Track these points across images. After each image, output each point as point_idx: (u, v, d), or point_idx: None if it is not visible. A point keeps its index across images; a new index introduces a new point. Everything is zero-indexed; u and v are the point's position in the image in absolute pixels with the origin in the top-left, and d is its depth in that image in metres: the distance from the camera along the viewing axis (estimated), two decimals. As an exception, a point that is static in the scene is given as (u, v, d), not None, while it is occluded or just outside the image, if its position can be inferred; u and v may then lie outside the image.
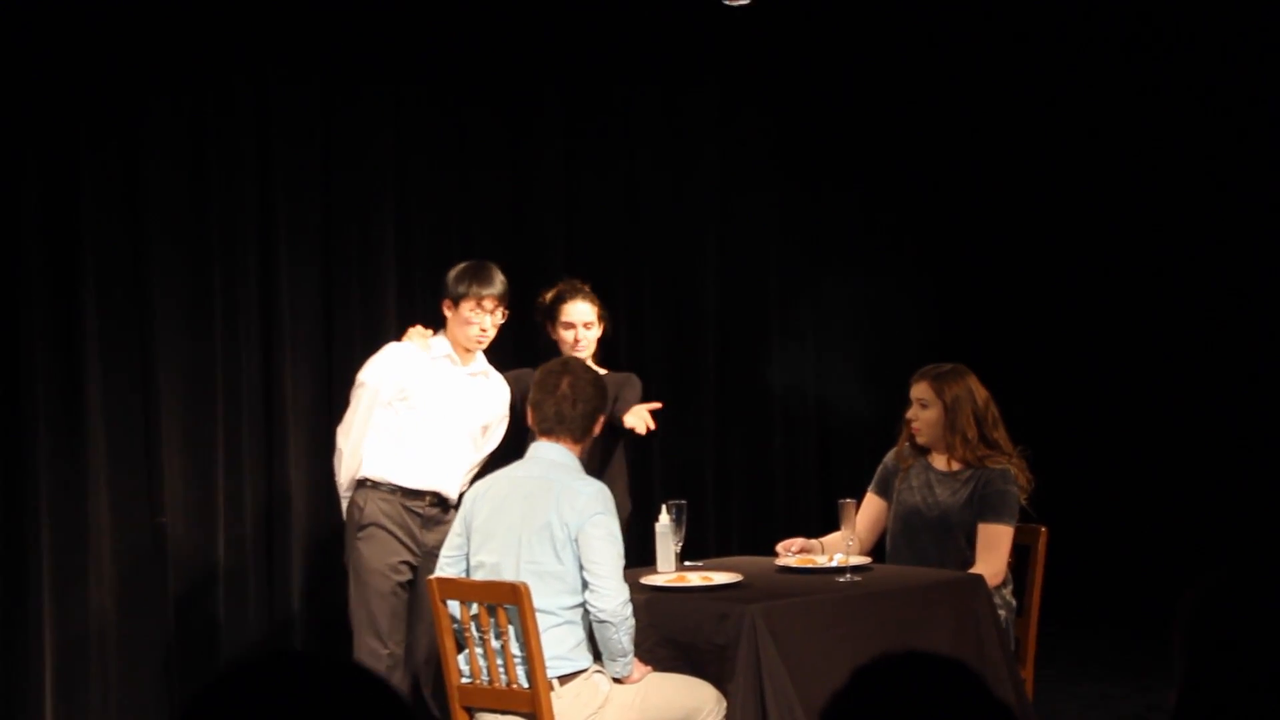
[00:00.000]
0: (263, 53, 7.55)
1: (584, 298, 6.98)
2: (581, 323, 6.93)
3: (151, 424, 7.30)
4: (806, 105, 9.34)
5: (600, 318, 6.99)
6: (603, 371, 6.89)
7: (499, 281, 6.65)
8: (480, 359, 6.80)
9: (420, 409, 6.64)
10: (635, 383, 6.99)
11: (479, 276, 6.64)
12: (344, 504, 6.76)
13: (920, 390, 6.41)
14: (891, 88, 9.55)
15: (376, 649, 6.53)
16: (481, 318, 6.62)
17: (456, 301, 6.64)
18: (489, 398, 6.84)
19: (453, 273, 6.69)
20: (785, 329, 9.31)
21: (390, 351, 6.73)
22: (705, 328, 9.05)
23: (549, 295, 7.03)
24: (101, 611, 7.14)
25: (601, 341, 7.02)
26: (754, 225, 9.21)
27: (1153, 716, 7.44)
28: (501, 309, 6.66)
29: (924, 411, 6.39)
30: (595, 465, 6.84)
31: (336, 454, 6.76)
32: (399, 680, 6.61)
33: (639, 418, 6.67)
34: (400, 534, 6.61)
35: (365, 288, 7.84)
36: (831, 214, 9.44)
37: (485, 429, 6.84)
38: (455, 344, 6.69)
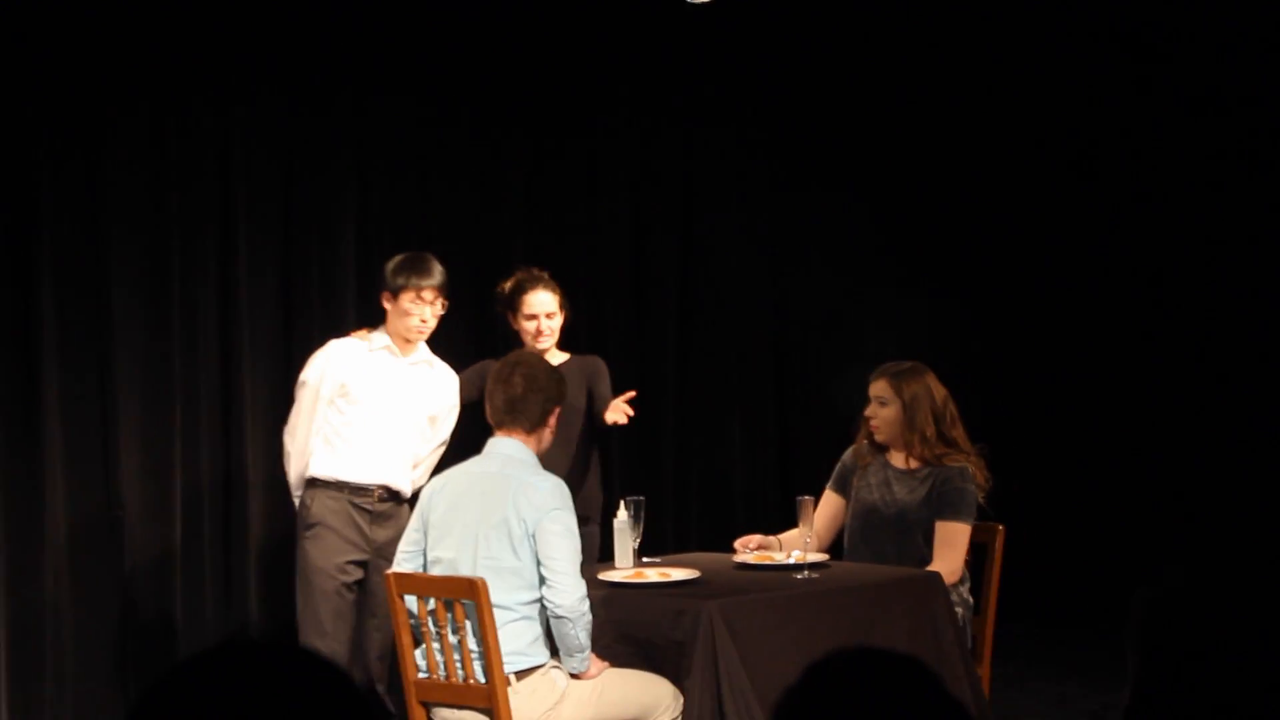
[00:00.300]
0: (225, 54, 7.52)
1: (545, 286, 6.94)
2: (544, 313, 6.90)
3: (109, 419, 7.26)
4: (768, 98, 9.33)
5: (562, 306, 6.95)
6: (565, 356, 6.89)
7: (438, 272, 6.61)
8: (422, 349, 6.76)
9: (362, 403, 6.61)
10: (602, 370, 6.98)
11: (417, 268, 6.59)
12: (296, 503, 6.74)
13: (879, 388, 6.42)
14: (856, 82, 9.55)
15: (319, 647, 6.50)
16: (421, 309, 6.58)
17: (395, 293, 6.60)
18: (433, 387, 6.80)
19: (390, 264, 6.65)
20: (746, 325, 9.31)
21: (329, 348, 6.70)
22: (665, 323, 9.04)
23: (508, 285, 6.99)
24: (56, 604, 7.10)
25: (564, 330, 6.99)
26: (717, 218, 9.21)
27: (1109, 715, 7.47)
28: (441, 299, 6.62)
29: (882, 409, 6.40)
30: (581, 460, 6.83)
31: (285, 455, 6.74)
32: None
33: (618, 411, 6.67)
34: (348, 532, 6.58)
35: (325, 287, 7.81)
36: (796, 207, 9.44)
37: (432, 420, 6.80)
38: (395, 336, 6.66)
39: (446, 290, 6.65)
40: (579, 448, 6.90)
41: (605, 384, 6.94)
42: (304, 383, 6.68)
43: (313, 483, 6.62)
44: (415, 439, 6.75)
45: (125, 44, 7.25)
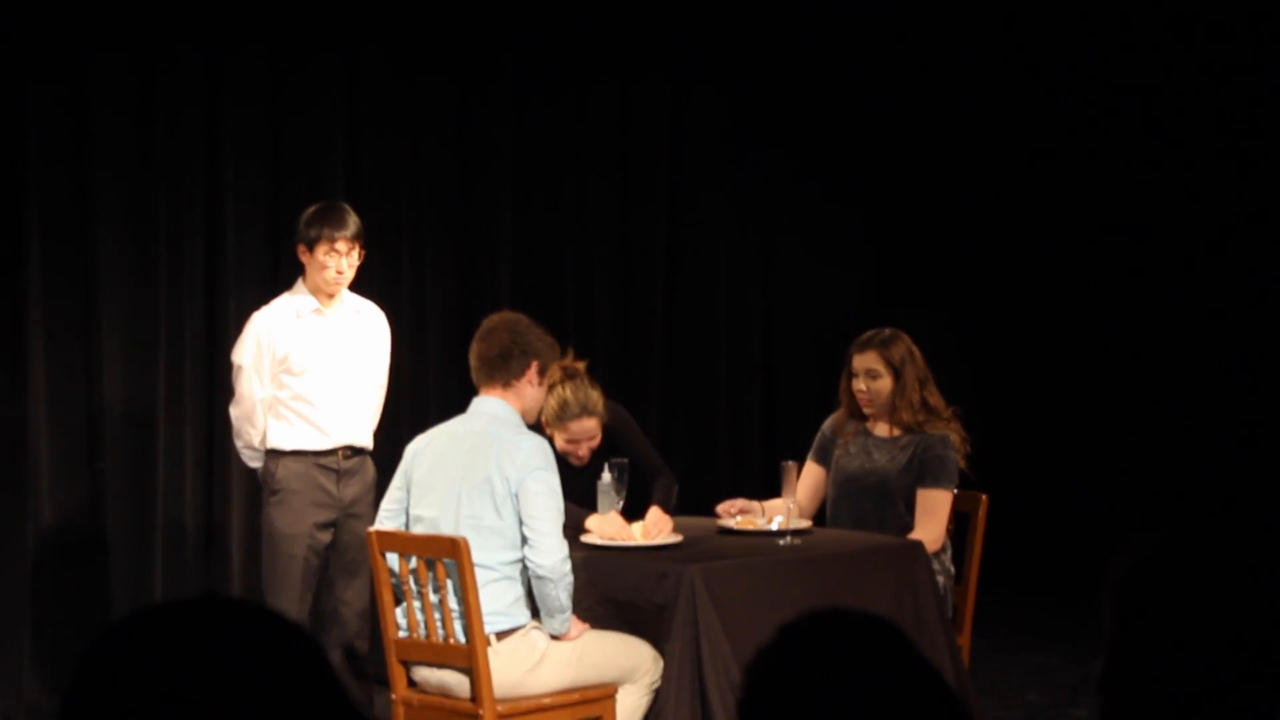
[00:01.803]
0: (213, 5, 7.49)
1: (586, 415, 6.25)
2: (587, 438, 6.30)
3: (93, 372, 7.25)
4: (754, 83, 9.31)
5: (354, 243, 6.48)
6: (596, 395, 6.32)
7: (352, 222, 6.48)
8: (346, 297, 6.63)
9: (307, 373, 6.51)
10: (616, 416, 6.44)
11: (330, 219, 6.46)
12: (252, 466, 6.66)
13: (869, 360, 6.33)
14: (835, 70, 9.53)
15: (285, 608, 6.47)
16: (337, 260, 6.46)
17: (311, 245, 6.47)
18: (368, 336, 6.70)
19: (304, 216, 6.52)
20: (732, 291, 9.30)
21: (257, 325, 6.53)
22: (653, 291, 9.03)
23: (551, 404, 6.24)
24: (38, 558, 7.10)
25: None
26: (705, 198, 9.19)
27: (1089, 687, 7.48)
28: (357, 249, 6.50)
29: (875, 382, 6.32)
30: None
31: (234, 433, 6.64)
32: None
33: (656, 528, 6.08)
34: (315, 494, 6.53)
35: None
36: (778, 187, 9.43)
37: (370, 368, 6.71)
38: (316, 291, 6.53)
39: (362, 239, 6.51)
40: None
41: (626, 430, 6.46)
42: (239, 367, 6.53)
43: (274, 452, 6.55)
44: (368, 392, 6.69)
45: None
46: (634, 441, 6.46)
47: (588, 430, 6.23)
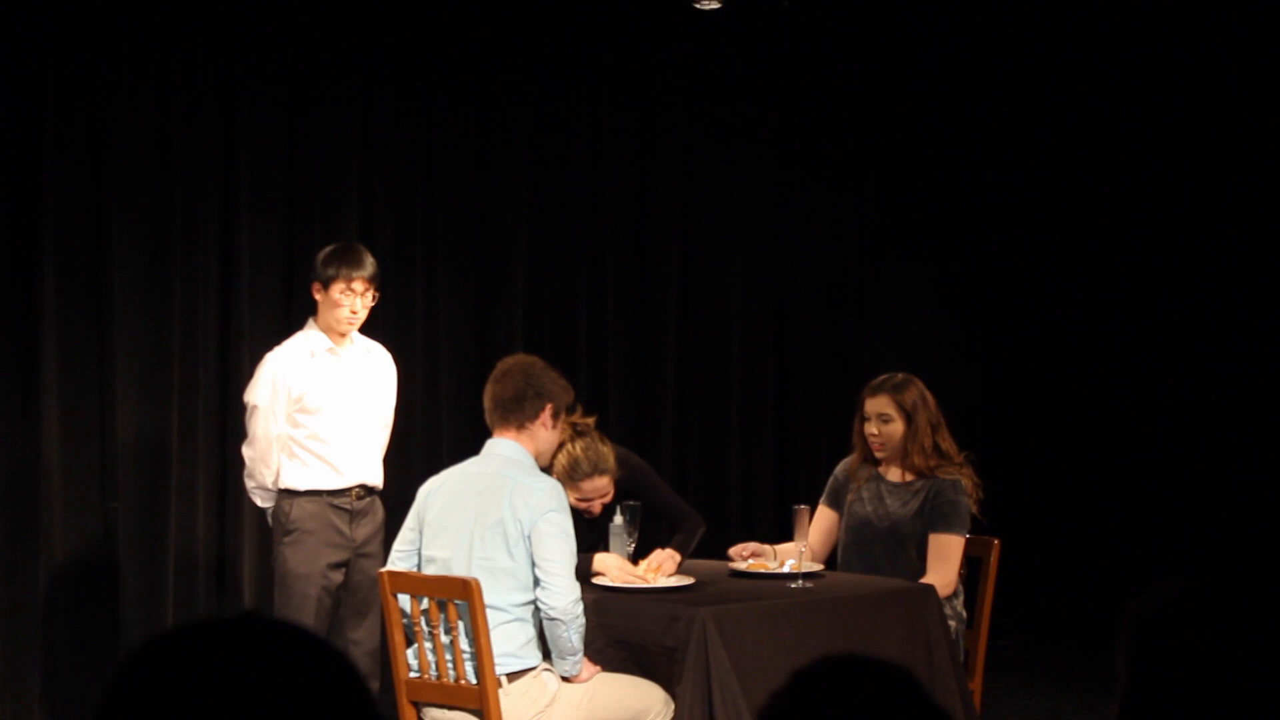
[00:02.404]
0: (231, 41, 7.54)
1: (599, 473, 6.14)
2: (598, 497, 6.21)
3: (106, 410, 7.27)
4: (776, 102, 9.34)
5: (370, 284, 6.50)
6: (606, 450, 6.23)
7: (369, 263, 6.53)
8: (357, 338, 6.68)
9: (321, 413, 6.53)
10: (630, 469, 6.32)
11: (348, 259, 6.50)
12: (263, 506, 6.67)
13: (881, 404, 6.33)
14: (850, 80, 9.56)
15: None
16: (352, 300, 6.50)
17: (326, 284, 6.50)
18: (379, 376, 6.75)
19: (321, 255, 6.55)
20: (744, 337, 9.30)
21: (272, 366, 6.55)
22: (666, 333, 9.04)
23: (563, 460, 6.15)
24: (50, 595, 7.11)
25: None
26: (718, 230, 9.21)
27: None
28: (372, 290, 6.54)
29: (886, 426, 6.32)
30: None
31: (246, 473, 6.64)
32: None
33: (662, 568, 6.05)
34: (328, 534, 6.54)
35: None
36: (796, 219, 9.45)
37: (380, 407, 6.75)
38: (329, 330, 6.57)
39: (378, 281, 6.56)
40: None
41: (645, 481, 6.36)
42: (254, 406, 6.54)
43: (288, 492, 6.57)
44: (379, 431, 6.73)
45: (130, 29, 7.27)
46: (653, 491, 6.38)
47: (599, 489, 6.16)
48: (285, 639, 1.68)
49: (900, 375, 6.41)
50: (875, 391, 6.37)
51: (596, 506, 6.23)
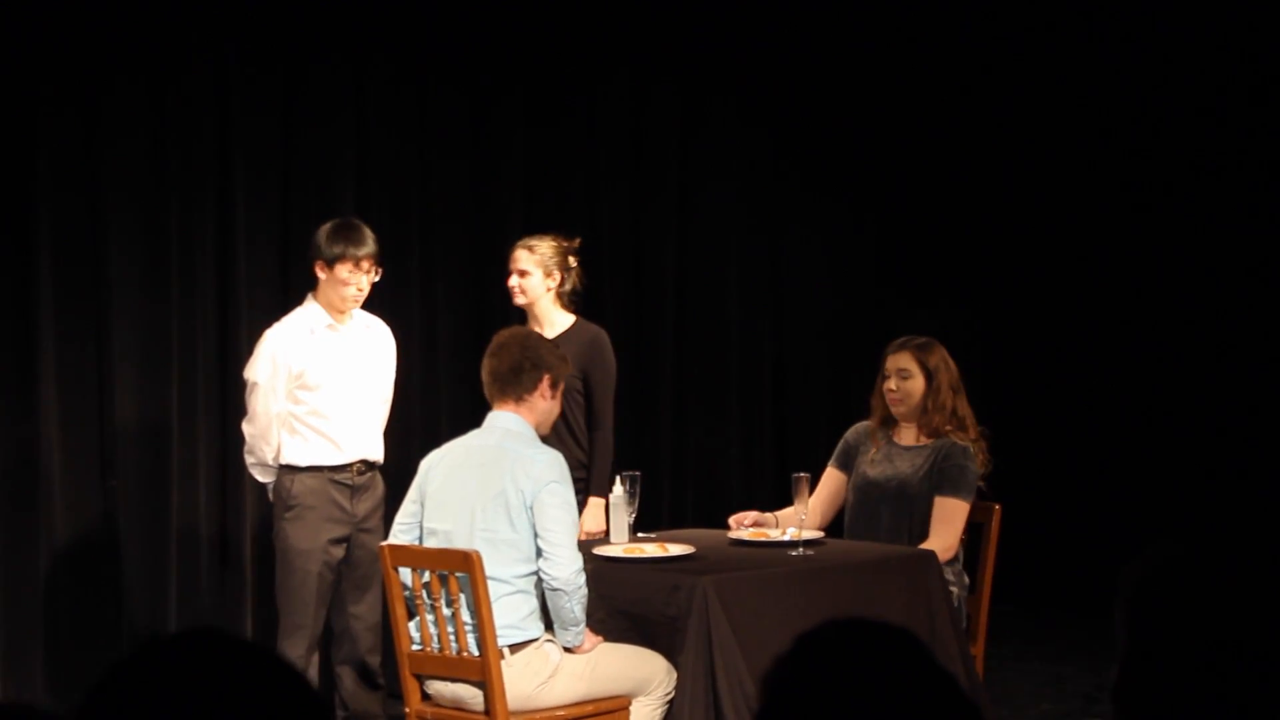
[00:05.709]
0: (224, 16, 7.51)
1: (520, 245, 6.78)
2: (516, 269, 6.74)
3: (105, 387, 7.27)
4: (769, 85, 9.32)
5: (544, 266, 6.74)
6: (570, 320, 6.77)
7: (371, 240, 6.53)
8: (357, 313, 6.68)
9: (322, 388, 6.54)
10: (600, 353, 6.77)
11: (353, 237, 6.51)
12: (263, 481, 6.69)
13: (903, 360, 6.33)
14: (855, 79, 9.54)
15: (300, 624, 6.51)
16: (357, 278, 6.51)
17: (331, 263, 6.50)
18: (379, 351, 6.77)
19: (323, 233, 6.55)
20: (744, 302, 9.30)
21: (271, 342, 6.56)
22: (664, 300, 9.04)
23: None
24: (52, 574, 7.11)
25: (570, 296, 6.84)
26: (716, 210, 9.19)
27: (1103, 696, 7.47)
28: (376, 267, 6.55)
29: (906, 382, 6.31)
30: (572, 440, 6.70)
31: (247, 449, 6.66)
32: (313, 658, 6.60)
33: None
34: (329, 510, 6.55)
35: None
36: (792, 192, 9.44)
37: (379, 383, 6.78)
38: (329, 307, 6.58)
39: (379, 257, 6.58)
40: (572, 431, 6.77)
41: (602, 370, 6.77)
42: (254, 383, 6.55)
43: (289, 468, 6.57)
44: (379, 406, 6.75)
45: (123, 10, 7.24)
46: (600, 385, 6.72)
47: (516, 260, 6.70)
48: (241, 658, 1.70)
49: (924, 337, 6.41)
50: (898, 349, 6.38)
51: (515, 285, 6.71)
